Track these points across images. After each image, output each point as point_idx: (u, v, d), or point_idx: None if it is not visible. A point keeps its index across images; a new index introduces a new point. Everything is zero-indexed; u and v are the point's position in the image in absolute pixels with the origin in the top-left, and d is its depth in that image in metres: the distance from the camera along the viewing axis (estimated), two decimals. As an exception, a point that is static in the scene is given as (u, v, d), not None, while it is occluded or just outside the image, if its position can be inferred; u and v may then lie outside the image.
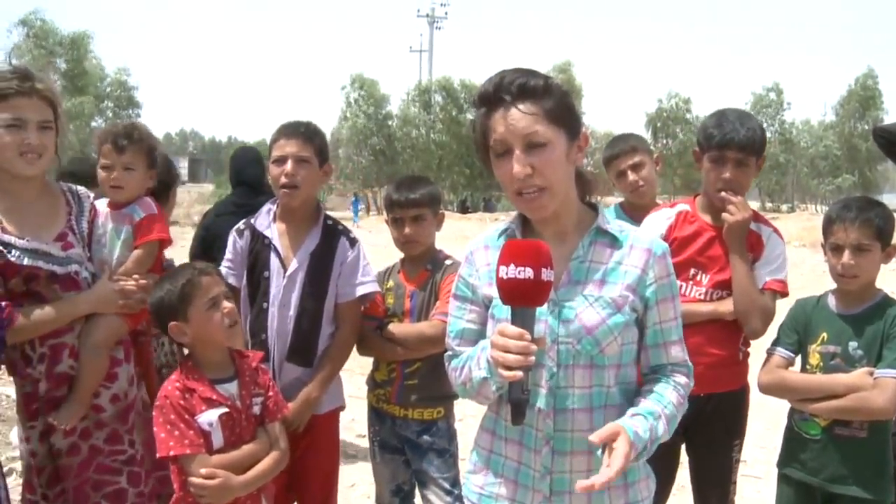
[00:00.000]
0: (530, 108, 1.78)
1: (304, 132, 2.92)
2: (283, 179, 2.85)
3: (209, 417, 2.39)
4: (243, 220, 3.06)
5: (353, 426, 5.73)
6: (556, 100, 1.83)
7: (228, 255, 3.01)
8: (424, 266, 3.04)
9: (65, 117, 2.68)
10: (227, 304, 2.46)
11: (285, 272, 2.92)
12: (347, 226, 3.14)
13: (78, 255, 2.62)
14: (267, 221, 2.99)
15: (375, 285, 3.03)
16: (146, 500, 2.73)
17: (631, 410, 1.82)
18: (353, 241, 3.02)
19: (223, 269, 2.93)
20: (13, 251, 2.46)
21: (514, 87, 1.80)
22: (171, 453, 2.34)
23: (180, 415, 2.37)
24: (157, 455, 2.39)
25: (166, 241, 2.89)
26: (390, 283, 3.07)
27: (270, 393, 2.57)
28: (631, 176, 3.63)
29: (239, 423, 2.45)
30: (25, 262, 2.47)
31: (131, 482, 2.68)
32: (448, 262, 3.05)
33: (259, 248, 2.96)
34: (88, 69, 38.58)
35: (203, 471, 2.34)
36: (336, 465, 3.19)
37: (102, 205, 2.85)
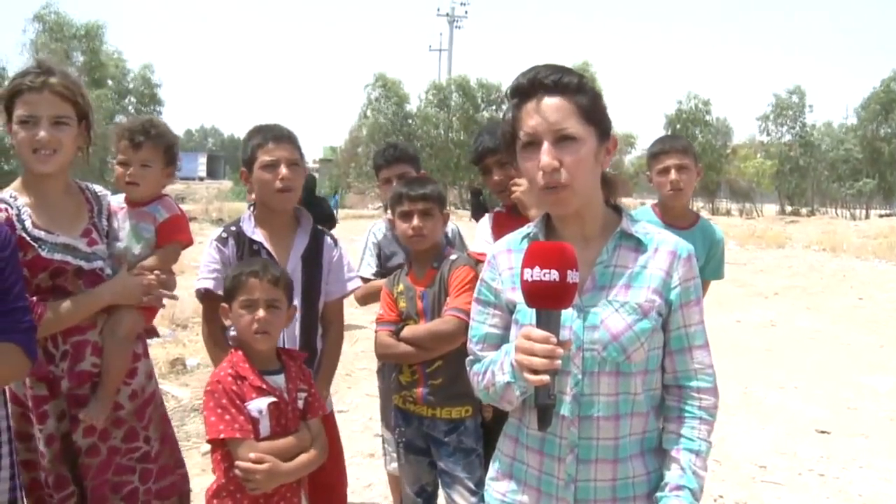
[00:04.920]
0: (563, 103, 1.78)
1: (290, 136, 2.96)
2: (279, 184, 2.86)
3: (259, 405, 2.46)
4: (223, 229, 3.03)
5: (371, 425, 5.74)
6: (589, 98, 1.81)
7: (213, 265, 2.89)
8: (431, 265, 3.04)
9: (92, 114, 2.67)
10: (261, 313, 2.50)
11: None
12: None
13: (102, 251, 2.64)
14: (250, 227, 2.96)
15: (360, 280, 3.11)
16: (152, 497, 2.72)
17: (668, 479, 1.82)
18: (335, 241, 3.12)
19: (209, 281, 2.87)
20: (43, 246, 2.47)
21: (548, 81, 1.79)
22: (221, 436, 2.41)
23: (232, 400, 2.44)
24: (207, 438, 2.45)
25: (189, 243, 2.93)
26: (400, 287, 3.06)
27: (312, 390, 2.64)
28: (674, 175, 3.65)
29: (285, 414, 2.51)
30: (56, 256, 2.48)
31: (142, 479, 2.69)
32: (452, 256, 3.04)
33: (249, 255, 2.90)
34: (104, 60, 38.71)
35: (252, 455, 2.39)
36: (342, 466, 3.19)
37: (115, 201, 2.85)
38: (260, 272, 2.54)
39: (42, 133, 2.43)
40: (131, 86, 41.24)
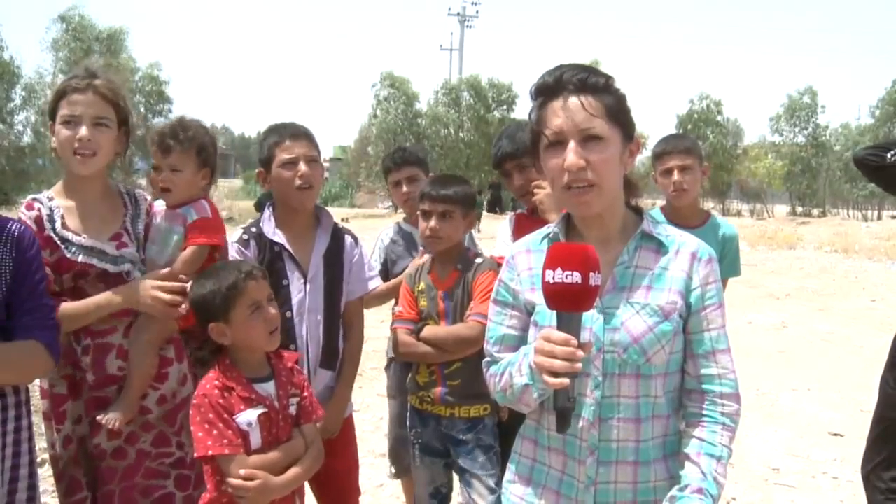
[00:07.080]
0: (590, 103, 1.76)
1: (308, 133, 2.96)
2: (299, 181, 2.85)
3: (248, 417, 2.35)
4: (243, 230, 3.00)
5: (382, 425, 5.73)
6: (615, 99, 1.81)
7: None
8: (454, 266, 3.00)
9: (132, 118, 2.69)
10: (270, 311, 2.42)
11: (305, 278, 2.91)
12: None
13: (131, 254, 2.60)
14: (271, 228, 2.93)
15: (380, 279, 3.14)
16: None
17: (688, 481, 1.76)
18: (355, 239, 3.12)
19: None
20: (70, 247, 2.48)
21: (574, 80, 1.78)
22: (210, 453, 2.30)
23: (219, 414, 2.32)
24: (195, 455, 2.34)
25: (220, 248, 2.76)
26: (422, 286, 3.03)
27: (305, 393, 2.54)
28: (676, 176, 3.64)
29: (276, 423, 2.41)
30: (80, 258, 2.48)
31: (179, 486, 2.63)
32: (478, 260, 3.02)
33: (270, 257, 2.88)
34: (122, 65, 38.95)
35: (242, 471, 2.29)
36: (356, 468, 3.19)
37: (159, 204, 2.81)
38: (252, 272, 2.42)
39: (83, 131, 2.47)
40: (139, 84, 41.38)
